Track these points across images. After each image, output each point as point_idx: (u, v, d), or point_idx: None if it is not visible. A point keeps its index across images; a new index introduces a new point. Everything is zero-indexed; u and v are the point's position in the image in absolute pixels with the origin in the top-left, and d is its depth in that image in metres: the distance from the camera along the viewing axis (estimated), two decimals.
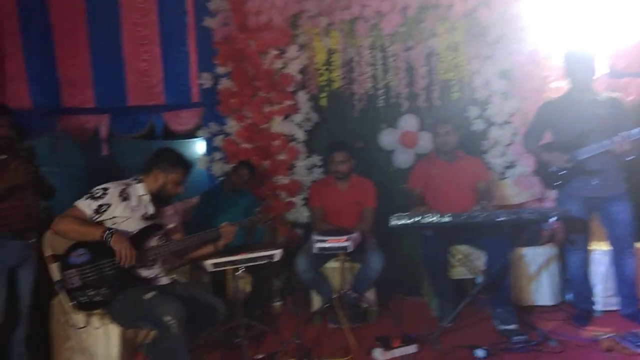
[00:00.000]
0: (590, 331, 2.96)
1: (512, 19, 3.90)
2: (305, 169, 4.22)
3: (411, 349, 2.81)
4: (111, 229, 2.37)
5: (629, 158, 2.96)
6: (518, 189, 4.02)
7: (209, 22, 4.15)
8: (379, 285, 3.51)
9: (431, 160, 3.62)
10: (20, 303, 2.78)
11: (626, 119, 2.97)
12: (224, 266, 2.94)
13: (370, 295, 3.46)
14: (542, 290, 3.48)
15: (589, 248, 3.20)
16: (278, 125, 4.16)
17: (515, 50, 3.97)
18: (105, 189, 2.44)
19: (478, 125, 4.18)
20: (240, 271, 2.98)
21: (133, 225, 2.47)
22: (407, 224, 2.85)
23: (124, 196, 2.46)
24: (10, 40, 4.25)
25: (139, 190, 2.54)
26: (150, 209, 2.55)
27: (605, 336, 2.79)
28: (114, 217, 2.42)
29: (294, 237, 4.07)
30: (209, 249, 2.72)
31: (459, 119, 4.04)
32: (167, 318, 2.19)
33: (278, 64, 4.13)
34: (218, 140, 4.23)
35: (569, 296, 3.41)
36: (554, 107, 3.13)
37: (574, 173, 3.01)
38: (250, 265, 3.01)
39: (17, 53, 4.27)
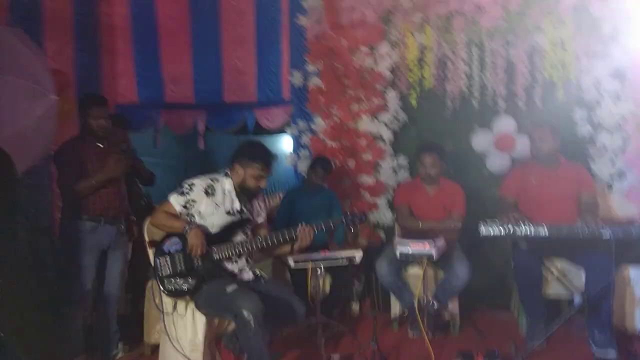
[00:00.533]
0: None
1: (628, 12, 3.50)
2: (391, 169, 4.13)
3: None
4: (191, 223, 2.49)
5: None
6: (628, 201, 3.61)
7: (302, 20, 4.19)
8: (464, 296, 3.34)
9: (529, 167, 3.32)
10: (110, 283, 3.01)
11: None
12: (305, 264, 2.95)
13: (454, 305, 3.31)
14: None
15: None
16: (365, 124, 4.11)
17: (631, 48, 3.55)
18: (192, 185, 2.55)
19: (584, 130, 3.81)
20: (321, 270, 2.99)
21: (218, 219, 2.56)
22: (500, 234, 2.66)
23: (209, 192, 2.55)
24: (122, 39, 4.62)
25: (226, 184, 2.61)
26: (237, 204, 2.63)
27: None
28: (199, 212, 2.54)
29: (375, 239, 4.01)
30: (287, 248, 2.72)
31: (563, 121, 3.71)
32: (245, 313, 2.25)
33: (368, 61, 4.07)
34: (305, 138, 4.27)
35: None
36: None
37: None
38: (330, 265, 3.01)
39: (127, 51, 4.64)
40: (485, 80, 3.99)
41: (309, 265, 2.96)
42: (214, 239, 2.54)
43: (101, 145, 2.93)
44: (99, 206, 2.88)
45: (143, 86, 4.69)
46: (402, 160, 4.14)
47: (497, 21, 3.82)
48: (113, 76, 4.60)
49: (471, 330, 3.25)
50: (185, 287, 2.50)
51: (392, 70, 4.11)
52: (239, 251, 2.58)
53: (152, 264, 2.55)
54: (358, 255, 3.06)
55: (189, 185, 2.56)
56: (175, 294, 2.51)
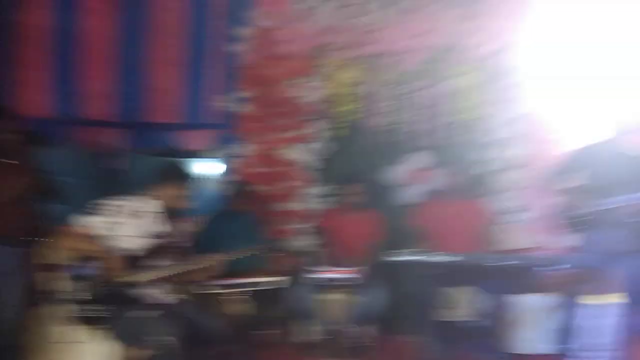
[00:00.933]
0: None
1: (530, 66, 3.96)
2: (317, 197, 4.25)
3: None
4: (112, 247, 2.41)
5: None
6: (526, 234, 3.99)
7: (234, 47, 4.27)
8: (380, 321, 3.47)
9: (440, 199, 3.61)
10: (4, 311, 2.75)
11: None
12: (230, 289, 2.94)
13: (370, 330, 3.42)
14: (536, 339, 3.41)
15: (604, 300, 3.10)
16: (294, 152, 4.23)
17: (538, 95, 4.01)
18: (116, 206, 2.49)
19: (493, 167, 4.19)
20: (244, 295, 2.98)
21: (143, 242, 2.50)
22: (410, 261, 2.85)
23: (133, 213, 2.50)
24: (40, 51, 4.38)
25: (151, 206, 2.58)
26: (161, 226, 2.59)
27: None
28: (122, 234, 2.46)
29: (298, 264, 4.06)
30: (202, 274, 2.70)
31: (474, 159, 4.07)
32: (168, 339, 2.20)
33: (300, 92, 4.22)
34: (233, 163, 4.29)
35: (571, 346, 3.31)
36: (593, 152, 3.07)
37: (603, 221, 2.94)
38: (252, 290, 3.01)
39: (46, 63, 4.40)
40: (408, 118, 4.28)
41: (233, 291, 2.94)
42: (136, 263, 2.47)
43: (7, 161, 2.75)
44: None
45: (61, 101, 4.45)
46: (329, 188, 4.28)
47: (419, 64, 4.15)
48: (27, 89, 4.35)
49: (384, 355, 3.38)
50: (102, 314, 2.39)
51: (323, 102, 4.29)
52: (162, 276, 2.53)
53: (58, 289, 2.40)
54: (283, 280, 3.10)
55: (113, 205, 2.49)
56: (91, 322, 2.40)
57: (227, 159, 4.33)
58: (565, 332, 3.32)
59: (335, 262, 3.33)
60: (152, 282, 2.53)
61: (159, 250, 2.58)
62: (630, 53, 3.84)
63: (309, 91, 4.27)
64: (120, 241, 2.46)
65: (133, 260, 2.47)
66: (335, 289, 3.34)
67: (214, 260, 2.58)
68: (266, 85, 4.24)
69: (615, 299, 3.17)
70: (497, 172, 4.17)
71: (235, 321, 3.01)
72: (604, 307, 3.16)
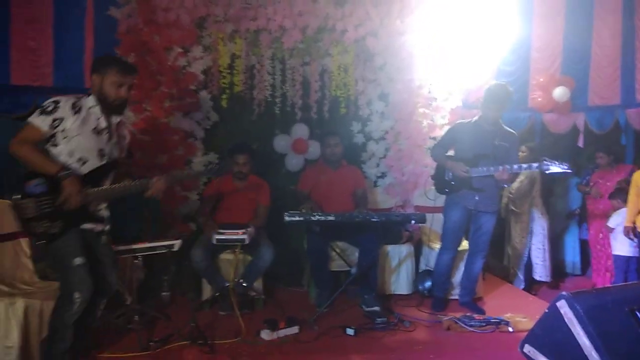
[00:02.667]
0: (435, 314, 3.64)
1: (394, 50, 4.53)
2: (202, 165, 4.41)
3: (293, 329, 3.22)
4: (69, 169, 2.37)
5: (504, 185, 3.72)
6: (387, 196, 4.68)
7: (113, 11, 4.15)
8: (266, 276, 3.87)
9: (319, 167, 4.11)
10: None
11: (514, 153, 3.64)
12: (124, 254, 3.05)
13: (259, 284, 3.80)
14: (401, 281, 4.12)
15: (458, 249, 3.81)
16: (177, 121, 4.30)
17: (395, 78, 4.62)
18: (56, 102, 2.39)
19: (359, 139, 4.77)
20: (138, 259, 3.12)
21: (85, 140, 2.46)
22: (299, 221, 3.27)
23: (76, 109, 2.42)
24: None
25: (89, 102, 2.50)
26: (103, 122, 2.53)
27: (446, 318, 3.48)
28: (65, 131, 2.40)
29: (187, 229, 4.24)
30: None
31: (344, 131, 4.60)
32: (76, 295, 2.32)
33: (182, 61, 4.28)
34: None
35: (425, 286, 4.08)
36: (464, 128, 3.66)
37: (463, 186, 3.58)
38: (149, 254, 3.17)
39: None
40: (286, 92, 4.62)
41: (128, 256, 3.06)
42: (86, 182, 2.46)
43: None
44: None
45: None
46: (213, 156, 4.46)
47: (296, 43, 4.47)
48: None
49: (273, 305, 3.78)
50: (52, 230, 2.38)
51: (205, 73, 4.40)
52: (106, 197, 2.56)
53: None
54: (177, 243, 3.29)
55: (53, 103, 2.38)
56: (42, 237, 2.38)
57: None
58: (423, 274, 4.11)
59: (224, 226, 3.60)
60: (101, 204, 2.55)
61: (109, 169, 2.57)
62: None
63: (192, 61, 4.34)
64: (67, 139, 2.39)
65: (86, 180, 2.45)
66: (227, 249, 3.65)
67: (143, 184, 2.62)
68: (146, 53, 4.21)
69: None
70: (363, 144, 4.75)
71: (130, 284, 3.14)
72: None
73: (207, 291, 3.74)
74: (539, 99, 5.08)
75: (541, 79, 5.08)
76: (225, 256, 3.70)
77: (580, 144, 5.12)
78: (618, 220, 4.35)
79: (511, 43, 4.84)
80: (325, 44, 4.53)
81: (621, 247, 4.33)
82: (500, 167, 3.39)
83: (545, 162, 3.27)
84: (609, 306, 2.56)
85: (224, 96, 4.47)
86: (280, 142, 4.65)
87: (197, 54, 4.35)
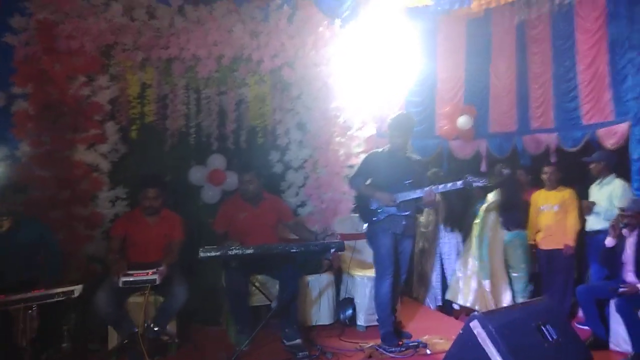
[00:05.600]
0: (356, 343, 3.63)
1: (310, 80, 4.60)
2: (108, 201, 4.14)
3: None
4: None
5: (429, 207, 3.79)
6: (309, 225, 4.65)
7: (9, 38, 3.83)
8: (180, 317, 3.64)
9: (236, 203, 3.91)
10: None
11: (425, 177, 3.82)
12: (16, 304, 2.74)
13: (172, 326, 3.57)
14: (322, 312, 4.08)
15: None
16: (81, 154, 4.02)
17: (311, 107, 4.68)
18: None
19: (278, 168, 4.74)
20: (32, 310, 2.81)
21: None
22: (216, 256, 3.14)
23: None
24: None
25: None
26: None
27: (367, 346, 3.48)
28: None
29: (92, 271, 3.92)
30: None
31: (262, 161, 4.55)
32: None
33: (86, 91, 4.03)
34: (6, 166, 3.85)
35: (347, 314, 4.07)
36: (378, 157, 3.75)
37: (389, 212, 3.61)
38: (45, 303, 2.87)
39: None
40: (201, 122, 4.50)
41: (21, 306, 2.75)
42: None
43: None
44: None
45: None
46: (121, 191, 4.20)
47: (211, 72, 4.39)
48: None
49: (189, 347, 3.56)
50: None
51: (112, 103, 4.18)
52: None
53: None
54: (77, 288, 3.01)
55: None
56: None
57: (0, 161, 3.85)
58: (343, 303, 4.09)
59: (134, 266, 3.36)
60: None
61: None
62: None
63: (97, 91, 4.11)
64: None
65: None
66: (136, 291, 3.41)
67: None
68: (46, 82, 3.92)
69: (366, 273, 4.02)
70: (282, 173, 4.73)
71: (23, 338, 2.81)
72: (369, 280, 4.00)
73: (114, 339, 3.44)
74: (445, 127, 5.39)
75: (446, 109, 5.40)
76: (135, 299, 3.44)
77: (483, 168, 5.47)
78: None
79: (418, 75, 5.10)
80: (241, 73, 4.49)
81: None
82: (427, 189, 3.51)
83: (469, 178, 3.44)
84: (517, 323, 2.70)
85: (134, 127, 4.26)
86: (196, 174, 4.49)
87: (103, 83, 4.12)
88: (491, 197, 4.57)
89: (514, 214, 4.48)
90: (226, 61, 4.39)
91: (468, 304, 4.36)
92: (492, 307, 4.26)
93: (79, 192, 3.98)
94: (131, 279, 3.13)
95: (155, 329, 3.36)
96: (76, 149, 4.01)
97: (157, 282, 3.18)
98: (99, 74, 4.09)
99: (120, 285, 3.14)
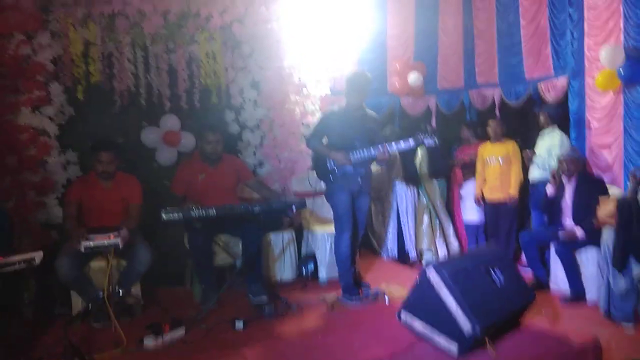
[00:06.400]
0: (319, 295, 3.80)
1: (261, 38, 4.52)
2: (60, 165, 3.99)
3: (179, 331, 3.10)
4: None
5: (383, 165, 3.93)
6: (267, 184, 4.70)
7: None
8: (145, 279, 3.65)
9: (195, 164, 3.87)
10: None
11: (379, 135, 3.86)
12: None
13: (136, 289, 3.58)
14: (285, 268, 4.22)
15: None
16: (26, 118, 3.82)
17: (264, 66, 4.62)
18: None
19: (234, 128, 4.71)
20: None
21: None
22: (178, 218, 3.14)
23: None
24: None
25: None
26: None
27: (329, 298, 3.66)
28: None
29: (46, 238, 3.81)
30: None
31: (217, 122, 4.50)
32: None
33: (26, 50, 3.78)
34: None
35: (309, 269, 4.23)
36: (334, 116, 3.76)
37: (346, 170, 3.68)
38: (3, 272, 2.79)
39: None
40: (151, 81, 4.35)
41: None
42: None
43: None
44: None
45: None
46: (72, 155, 4.05)
47: (158, 28, 4.22)
48: None
49: (155, 308, 3.59)
50: None
51: (55, 62, 3.96)
52: None
53: None
54: (38, 256, 2.94)
55: None
56: None
57: None
58: (305, 259, 4.23)
59: (92, 230, 3.31)
60: None
61: None
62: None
63: (38, 50, 3.86)
64: None
65: None
66: (98, 256, 3.37)
67: None
68: None
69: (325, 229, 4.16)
70: (238, 133, 4.70)
71: None
72: (329, 235, 4.14)
73: (77, 304, 3.42)
74: (397, 84, 5.50)
75: (397, 66, 5.49)
76: (97, 264, 3.41)
77: (433, 124, 5.66)
78: (468, 189, 4.91)
79: (369, 33, 5.12)
80: (189, 30, 4.35)
81: (470, 214, 4.90)
82: (380, 147, 3.59)
83: (419, 136, 3.56)
84: (469, 268, 2.93)
85: (80, 87, 4.07)
86: (149, 135, 4.39)
87: (44, 41, 3.88)
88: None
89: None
90: (173, 17, 4.24)
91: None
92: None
93: (26, 158, 3.81)
94: (93, 244, 3.09)
95: (120, 291, 3.36)
96: (20, 113, 3.82)
97: (120, 246, 3.16)
98: (39, 31, 3.84)
99: (82, 250, 3.10)
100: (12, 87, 3.75)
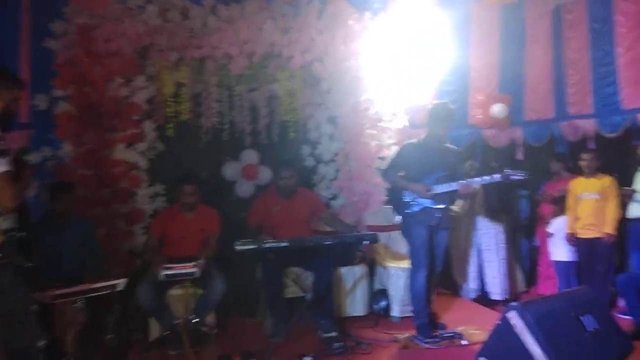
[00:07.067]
0: (391, 334, 3.64)
1: (340, 75, 4.60)
2: (148, 197, 4.28)
3: None
4: None
5: (463, 199, 3.80)
6: (342, 217, 4.67)
7: (50, 43, 4.00)
8: (218, 309, 3.74)
9: (270, 197, 3.98)
10: None
11: (460, 168, 3.80)
12: (65, 297, 2.88)
13: (211, 318, 3.67)
14: (356, 303, 4.11)
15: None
16: (120, 153, 4.17)
17: (341, 101, 4.68)
18: None
19: (309, 162, 4.79)
20: (79, 302, 2.95)
21: None
22: (252, 249, 3.21)
23: None
24: None
25: None
26: None
27: (402, 337, 3.49)
28: None
29: (133, 266, 4.07)
30: None
31: (294, 155, 4.61)
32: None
33: (124, 92, 4.17)
34: (50, 166, 4.04)
35: (381, 305, 4.09)
36: (413, 148, 3.73)
37: (425, 205, 3.60)
38: (91, 296, 3.00)
39: None
40: (234, 118, 4.58)
41: (69, 300, 2.89)
42: None
43: None
44: None
45: None
46: (159, 187, 4.33)
47: (243, 69, 4.45)
48: None
49: (227, 338, 3.65)
50: None
51: (149, 102, 4.31)
52: None
53: None
54: (121, 282, 3.14)
55: None
56: None
57: (45, 162, 4.03)
58: (377, 294, 4.11)
59: (172, 260, 3.47)
60: None
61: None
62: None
63: (134, 91, 4.24)
64: None
65: None
66: (176, 284, 3.52)
67: None
68: (85, 84, 4.07)
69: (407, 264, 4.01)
70: (313, 167, 4.77)
71: (70, 331, 2.96)
72: (403, 271, 4.00)
73: (155, 330, 3.57)
74: (479, 116, 5.29)
75: (480, 97, 5.30)
76: (175, 292, 3.56)
77: (519, 156, 5.34)
78: (558, 226, 4.52)
79: (450, 64, 5.02)
80: (272, 69, 4.54)
81: (560, 252, 4.49)
82: (463, 182, 3.50)
83: (506, 172, 3.42)
84: (556, 314, 2.66)
85: (170, 125, 4.38)
86: (230, 169, 4.59)
87: (140, 83, 4.25)
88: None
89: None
90: (257, 58, 4.44)
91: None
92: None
93: (118, 190, 4.13)
94: (172, 272, 3.24)
95: (196, 320, 3.46)
96: (115, 148, 4.16)
97: (197, 275, 3.28)
98: (136, 74, 4.22)
99: (162, 278, 3.26)
100: (110, 125, 4.12)
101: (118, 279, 3.21)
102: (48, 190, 3.63)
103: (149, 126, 4.30)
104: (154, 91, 4.33)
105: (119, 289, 3.17)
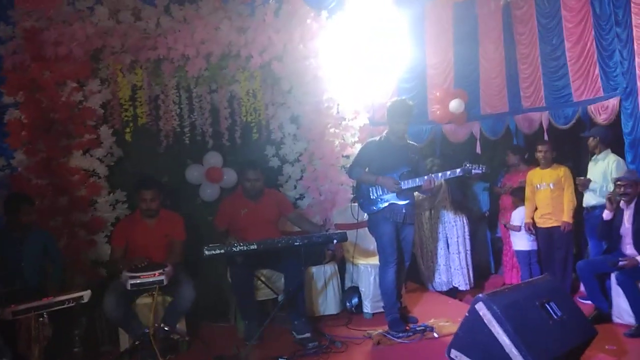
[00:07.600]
0: (364, 330, 3.67)
1: (300, 74, 4.58)
2: (108, 205, 4.13)
3: None
4: None
5: (427, 194, 3.90)
6: (308, 216, 4.67)
7: None
8: (189, 315, 3.67)
9: (237, 200, 3.93)
10: None
11: (422, 164, 3.88)
12: (27, 313, 2.74)
13: (182, 325, 3.59)
14: (328, 302, 4.13)
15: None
16: (77, 160, 4.01)
17: (303, 100, 4.68)
18: None
19: (274, 163, 4.76)
20: (43, 317, 2.83)
21: None
22: (220, 253, 3.16)
23: None
24: None
25: None
26: None
27: (375, 333, 3.53)
28: None
29: (97, 275, 3.92)
30: None
31: (258, 156, 4.57)
32: None
33: (78, 96, 4.01)
34: (4, 177, 3.84)
35: (353, 302, 4.12)
36: (376, 145, 3.77)
37: (390, 201, 3.64)
38: (55, 310, 2.88)
39: None
40: (194, 121, 4.49)
41: (32, 314, 2.76)
42: None
43: None
44: None
45: None
46: (120, 194, 4.19)
47: (201, 70, 4.36)
48: None
49: (199, 344, 3.58)
50: None
51: (104, 107, 4.15)
52: None
53: None
54: (86, 294, 3.03)
55: None
56: None
57: None
58: (349, 292, 4.13)
59: (138, 268, 3.37)
60: None
61: None
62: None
63: (88, 96, 4.08)
64: None
65: None
66: (143, 293, 3.42)
67: None
68: (36, 90, 3.89)
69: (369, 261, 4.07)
70: (278, 167, 4.74)
71: (34, 346, 2.82)
72: (372, 268, 4.04)
73: (125, 341, 3.46)
74: (438, 112, 5.42)
75: (437, 94, 5.42)
76: (143, 300, 3.46)
77: (478, 150, 5.51)
78: (520, 217, 4.69)
79: (408, 61, 5.11)
80: (230, 70, 4.47)
81: (521, 242, 4.66)
82: (426, 177, 3.57)
83: (467, 166, 3.52)
84: (522, 302, 2.75)
85: (128, 129, 4.24)
86: (193, 173, 4.49)
87: (94, 87, 4.10)
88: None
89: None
90: (215, 59, 4.36)
91: None
92: None
93: (77, 198, 3.96)
94: (139, 281, 3.15)
95: (166, 328, 3.38)
96: (72, 155, 4.00)
97: (165, 283, 3.20)
98: (89, 78, 4.07)
99: (129, 287, 3.16)
100: (65, 132, 3.95)
101: (83, 290, 3.10)
102: (5, 203, 3.45)
103: (105, 131, 4.16)
104: (109, 95, 4.17)
105: (84, 300, 3.05)
